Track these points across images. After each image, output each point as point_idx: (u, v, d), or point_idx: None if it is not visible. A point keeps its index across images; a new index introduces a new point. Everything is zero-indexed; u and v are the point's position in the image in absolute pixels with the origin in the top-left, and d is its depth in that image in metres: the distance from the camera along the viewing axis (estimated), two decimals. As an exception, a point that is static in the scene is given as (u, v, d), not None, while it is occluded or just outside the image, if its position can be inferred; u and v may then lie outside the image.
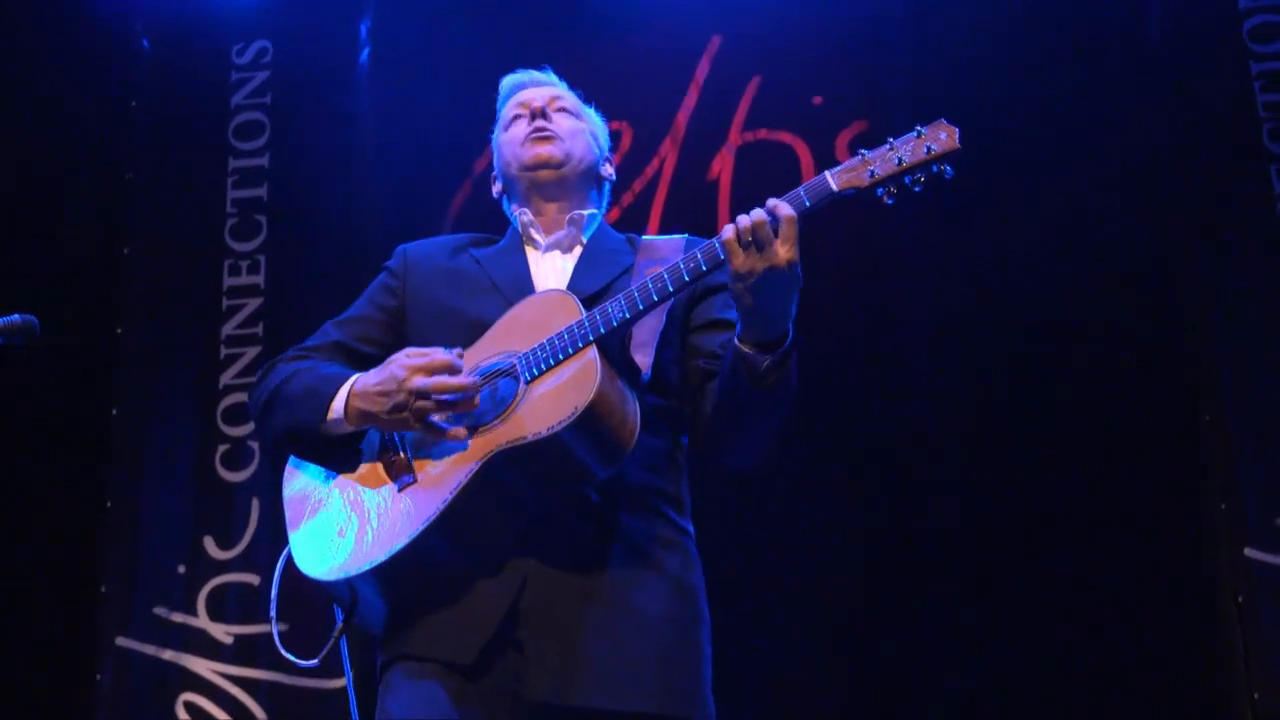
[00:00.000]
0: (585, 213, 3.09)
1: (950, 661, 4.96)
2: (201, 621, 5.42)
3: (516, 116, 3.15)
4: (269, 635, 4.86)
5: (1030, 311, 5.19)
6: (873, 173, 2.60)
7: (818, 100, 5.54)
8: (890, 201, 2.63)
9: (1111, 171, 5.25)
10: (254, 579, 5.43)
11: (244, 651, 5.37)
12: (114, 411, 5.73)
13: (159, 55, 6.13)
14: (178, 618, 5.43)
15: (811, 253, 2.61)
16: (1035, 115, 5.33)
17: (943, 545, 5.06)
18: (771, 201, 2.58)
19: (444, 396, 2.66)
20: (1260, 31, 5.25)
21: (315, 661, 2.87)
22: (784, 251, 2.55)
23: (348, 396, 2.76)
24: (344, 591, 2.74)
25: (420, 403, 2.66)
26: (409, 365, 2.69)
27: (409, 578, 2.68)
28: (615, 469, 2.66)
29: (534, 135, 3.09)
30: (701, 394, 2.84)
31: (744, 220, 2.56)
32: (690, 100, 5.69)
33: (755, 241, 2.54)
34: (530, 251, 3.06)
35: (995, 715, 4.89)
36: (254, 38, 6.11)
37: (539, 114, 3.11)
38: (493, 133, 3.26)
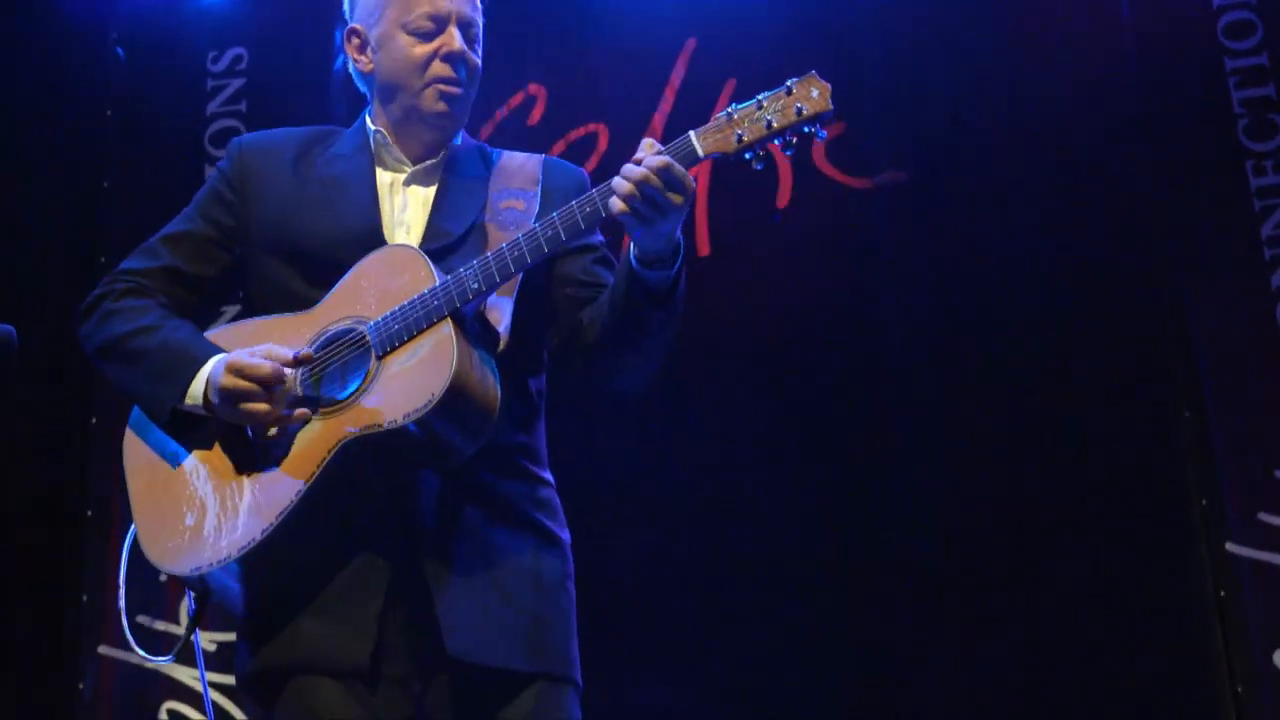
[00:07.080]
0: (457, 142, 2.89)
1: (930, 659, 4.97)
2: (184, 629, 5.39)
3: (426, 31, 2.78)
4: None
5: (1007, 310, 5.19)
6: (740, 137, 2.46)
7: (794, 102, 5.53)
8: (759, 167, 2.50)
9: (1087, 169, 5.26)
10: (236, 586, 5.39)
11: (227, 659, 5.33)
12: (93, 421, 5.70)
13: (134, 63, 6.10)
14: (160, 626, 5.41)
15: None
16: (1009, 113, 5.34)
17: (922, 542, 5.06)
18: (651, 162, 2.44)
19: (253, 406, 2.53)
20: (1234, 28, 5.27)
21: (170, 658, 2.82)
22: (678, 198, 2.44)
23: (205, 385, 2.61)
24: (196, 583, 2.64)
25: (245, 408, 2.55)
26: (233, 367, 2.56)
27: (268, 572, 2.57)
28: (483, 442, 2.53)
29: (445, 88, 2.79)
30: (577, 322, 2.72)
31: (631, 188, 2.43)
32: (666, 103, 5.68)
33: (657, 204, 2.44)
34: (382, 174, 2.83)
35: (975, 711, 4.89)
36: (229, 45, 6.08)
37: (458, 58, 2.78)
38: None
